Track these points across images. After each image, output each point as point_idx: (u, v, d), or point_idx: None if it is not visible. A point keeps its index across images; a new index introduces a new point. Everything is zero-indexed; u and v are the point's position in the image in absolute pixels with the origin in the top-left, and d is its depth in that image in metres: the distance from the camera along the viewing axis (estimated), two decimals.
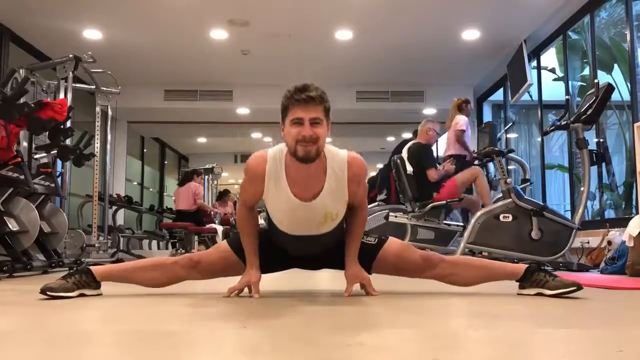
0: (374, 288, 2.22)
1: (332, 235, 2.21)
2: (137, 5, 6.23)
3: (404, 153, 5.30)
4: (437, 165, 5.27)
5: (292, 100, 1.98)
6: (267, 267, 2.28)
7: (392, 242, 2.27)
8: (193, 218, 8.23)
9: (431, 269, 2.22)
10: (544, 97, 7.25)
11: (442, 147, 9.63)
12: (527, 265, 2.21)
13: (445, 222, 5.19)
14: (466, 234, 4.17)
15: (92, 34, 6.94)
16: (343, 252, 2.24)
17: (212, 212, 9.04)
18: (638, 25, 5.43)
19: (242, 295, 2.20)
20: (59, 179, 5.00)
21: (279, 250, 2.27)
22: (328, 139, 2.10)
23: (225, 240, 2.39)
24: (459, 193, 5.08)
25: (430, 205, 4.92)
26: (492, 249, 4.16)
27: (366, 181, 2.26)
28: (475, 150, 5.24)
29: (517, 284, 2.21)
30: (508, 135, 8.41)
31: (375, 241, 2.27)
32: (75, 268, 2.26)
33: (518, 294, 2.18)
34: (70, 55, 5.40)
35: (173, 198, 8.69)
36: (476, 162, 5.14)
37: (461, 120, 5.68)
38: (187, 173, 8.84)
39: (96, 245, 5.84)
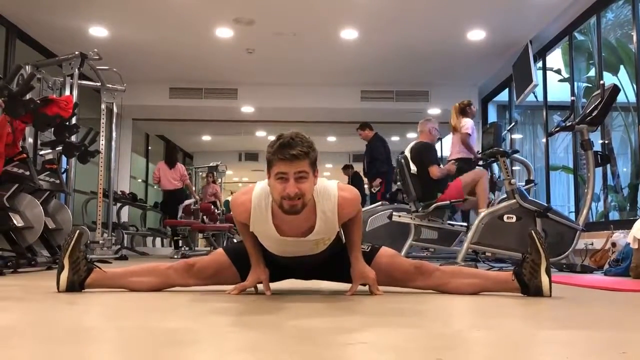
0: (378, 287, 2.22)
1: (324, 253, 2.22)
2: (143, 3, 6.24)
3: (407, 152, 5.29)
4: (440, 164, 5.25)
5: (276, 157, 1.92)
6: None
7: (385, 250, 2.29)
8: (180, 195, 8.54)
9: (425, 277, 2.23)
10: (549, 98, 7.23)
11: (445, 147, 9.65)
12: (514, 277, 2.15)
13: (449, 222, 5.18)
14: (470, 234, 4.16)
15: (98, 31, 6.96)
16: (336, 264, 2.26)
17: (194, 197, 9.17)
18: None
19: (245, 293, 2.21)
20: (64, 176, 5.03)
21: (271, 264, 2.26)
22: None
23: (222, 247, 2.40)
24: (464, 194, 5.06)
25: (434, 205, 4.92)
26: (496, 250, 4.15)
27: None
28: (480, 151, 5.23)
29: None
30: (513, 136, 8.39)
31: (369, 249, 2.28)
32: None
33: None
34: (76, 52, 5.42)
35: (157, 176, 8.45)
36: (480, 162, 5.13)
37: (467, 124, 5.62)
38: (174, 153, 9.10)
39: (100, 242, 5.87)
